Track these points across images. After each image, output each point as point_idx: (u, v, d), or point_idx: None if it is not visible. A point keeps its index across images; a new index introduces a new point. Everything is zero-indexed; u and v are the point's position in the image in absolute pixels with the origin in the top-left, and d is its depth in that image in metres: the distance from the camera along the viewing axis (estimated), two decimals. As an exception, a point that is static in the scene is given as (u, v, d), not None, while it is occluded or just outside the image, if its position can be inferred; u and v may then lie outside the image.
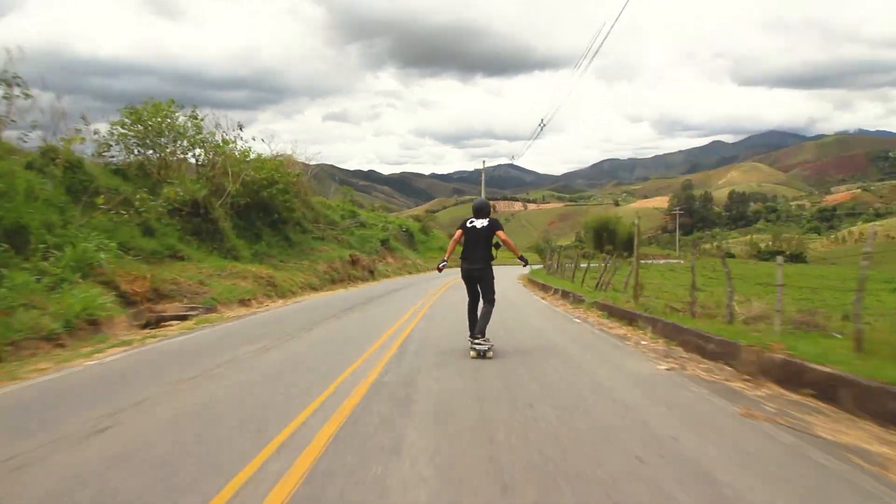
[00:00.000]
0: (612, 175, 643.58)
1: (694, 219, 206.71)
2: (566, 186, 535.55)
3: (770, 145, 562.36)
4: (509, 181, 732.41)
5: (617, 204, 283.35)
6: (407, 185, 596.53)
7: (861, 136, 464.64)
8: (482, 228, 6.54)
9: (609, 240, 51.31)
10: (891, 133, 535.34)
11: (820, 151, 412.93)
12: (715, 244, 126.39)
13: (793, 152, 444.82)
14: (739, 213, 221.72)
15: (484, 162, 33.49)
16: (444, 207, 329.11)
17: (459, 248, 6.87)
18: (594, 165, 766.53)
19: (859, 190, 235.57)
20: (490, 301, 6.54)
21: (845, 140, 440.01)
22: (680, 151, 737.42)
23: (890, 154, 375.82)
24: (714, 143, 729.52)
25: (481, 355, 6.14)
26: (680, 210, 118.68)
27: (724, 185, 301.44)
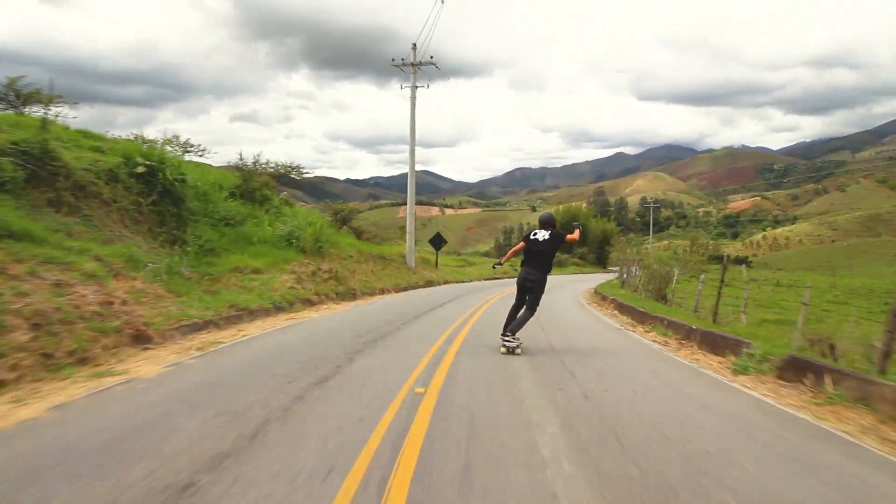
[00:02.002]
0: (525, 183, 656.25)
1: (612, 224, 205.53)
2: (481, 193, 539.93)
3: (668, 157, 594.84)
4: (425, 188, 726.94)
5: (534, 209, 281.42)
6: (320, 190, 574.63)
7: (745, 151, 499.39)
8: (544, 241, 7.01)
9: (579, 239, 40.34)
10: (769, 149, 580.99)
11: (713, 163, 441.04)
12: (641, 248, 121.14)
13: (689, 164, 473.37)
14: (653, 220, 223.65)
15: (413, 167, 22.62)
16: (359, 212, 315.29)
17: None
18: (507, 174, 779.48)
19: (759, 198, 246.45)
20: (532, 310, 6.92)
21: (733, 153, 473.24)
22: (587, 161, 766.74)
23: (775, 166, 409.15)
24: (618, 154, 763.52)
25: (510, 351, 6.63)
26: (652, 204, 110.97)
27: (631, 192, 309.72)
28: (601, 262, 45.90)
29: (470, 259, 38.22)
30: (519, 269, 7.29)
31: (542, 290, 6.97)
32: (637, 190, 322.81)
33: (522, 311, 6.92)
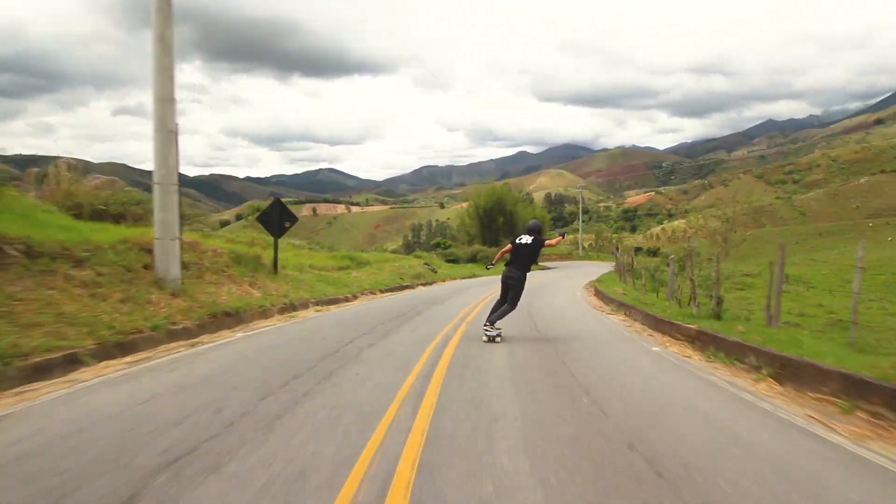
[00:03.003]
0: (432, 181, 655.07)
1: None
2: (389, 191, 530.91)
3: (567, 156, 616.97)
4: (331, 186, 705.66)
5: (442, 206, 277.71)
6: (217, 189, 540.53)
7: (636, 150, 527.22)
8: (526, 245, 8.04)
9: (507, 227, 33.77)
10: (656, 149, 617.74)
11: (609, 161, 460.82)
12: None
13: (587, 162, 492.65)
14: (557, 214, 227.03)
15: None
16: (258, 210, 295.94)
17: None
18: (415, 171, 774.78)
19: (653, 193, 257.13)
20: (512, 305, 7.98)
21: (626, 152, 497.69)
22: (491, 160, 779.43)
23: (664, 164, 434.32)
24: (520, 153, 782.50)
25: (491, 340, 7.50)
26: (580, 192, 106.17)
27: (535, 189, 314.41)
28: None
29: (363, 257, 24.55)
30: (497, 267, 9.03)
31: (521, 288, 8.03)
32: (541, 186, 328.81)
33: (504, 305, 7.93)
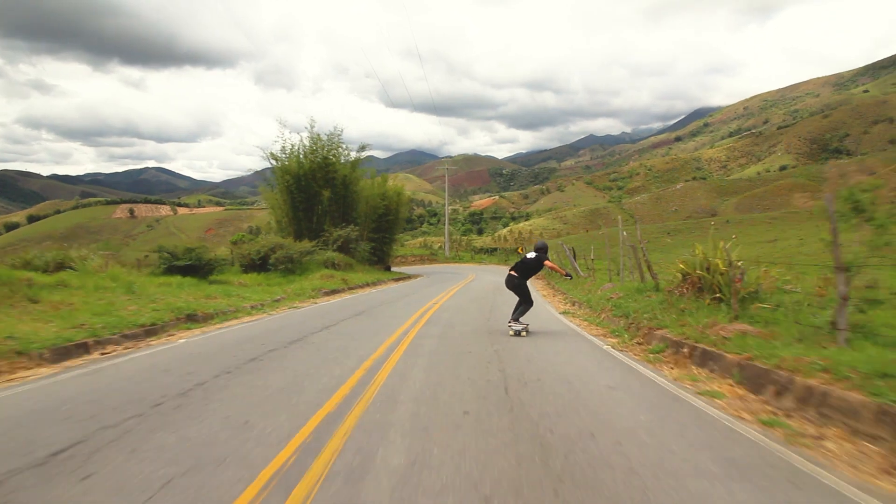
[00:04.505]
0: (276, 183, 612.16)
1: None
2: (227, 193, 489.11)
3: (414, 161, 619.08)
4: (159, 186, 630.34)
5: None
6: (11, 187, 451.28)
7: (478, 158, 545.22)
8: (530, 259, 8.70)
9: (339, 209, 21.24)
10: (496, 157, 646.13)
11: (454, 167, 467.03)
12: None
13: (433, 167, 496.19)
14: (407, 217, 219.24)
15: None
16: (59, 211, 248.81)
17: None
18: (258, 173, 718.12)
19: (497, 197, 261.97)
20: (527, 304, 8.47)
21: (469, 159, 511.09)
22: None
23: (503, 171, 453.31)
24: (369, 158, 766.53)
25: (517, 334, 7.98)
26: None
27: None
28: (380, 259, 27.21)
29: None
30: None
31: (525, 289, 8.55)
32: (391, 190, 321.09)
33: (522, 305, 8.46)
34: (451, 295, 14.96)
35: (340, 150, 23.47)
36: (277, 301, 11.53)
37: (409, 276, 24.58)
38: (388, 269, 27.13)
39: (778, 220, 76.38)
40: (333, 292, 14.50)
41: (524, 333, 7.88)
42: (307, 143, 22.70)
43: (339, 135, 24.93)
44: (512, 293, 8.60)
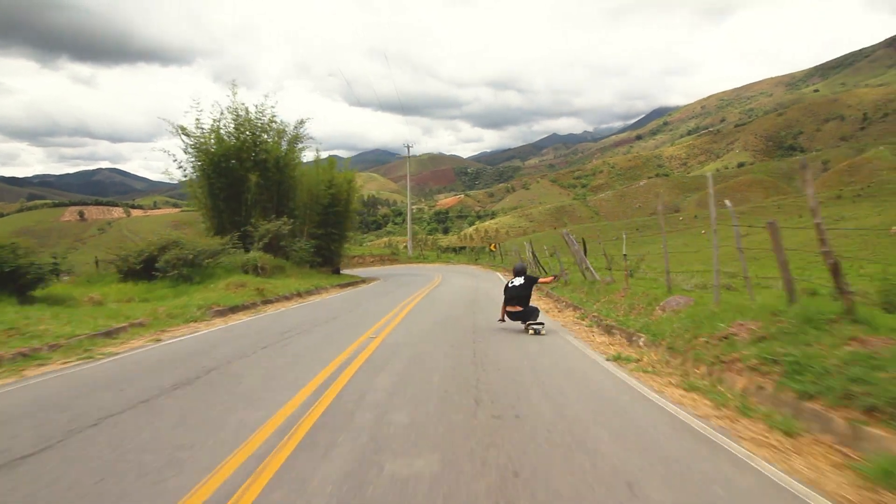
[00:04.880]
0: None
1: None
2: (187, 194, 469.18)
3: (378, 161, 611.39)
4: (112, 188, 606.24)
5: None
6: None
7: (443, 157, 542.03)
8: (520, 286, 8.65)
9: (278, 201, 16.59)
10: (460, 156, 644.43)
11: (419, 166, 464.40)
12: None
13: (398, 166, 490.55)
14: (371, 217, 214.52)
15: None
16: (2, 214, 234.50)
17: None
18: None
19: (462, 196, 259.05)
20: (535, 313, 8.56)
21: (434, 158, 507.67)
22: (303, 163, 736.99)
23: (468, 170, 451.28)
24: (331, 157, 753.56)
25: (537, 332, 8.23)
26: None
27: None
28: (327, 260, 22.49)
29: None
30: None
31: (534, 311, 8.57)
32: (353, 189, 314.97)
33: (533, 315, 8.50)
34: (407, 311, 11.02)
35: (274, 125, 19.10)
36: (117, 331, 7.22)
37: (360, 281, 20.42)
38: (336, 271, 22.84)
39: (746, 215, 75.30)
40: (237, 309, 10.29)
41: (543, 332, 8.25)
42: (230, 117, 18.26)
43: (273, 107, 20.28)
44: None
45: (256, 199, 18.32)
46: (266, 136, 18.73)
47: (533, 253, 21.42)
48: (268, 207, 18.58)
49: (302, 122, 19.87)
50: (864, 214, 61.90)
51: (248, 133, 18.31)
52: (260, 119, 18.64)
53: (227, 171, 17.85)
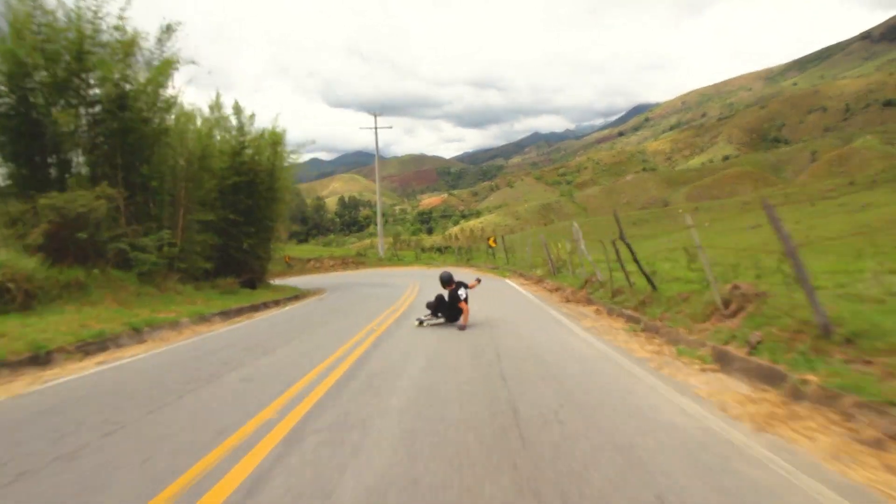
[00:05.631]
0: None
1: (308, 225, 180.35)
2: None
3: (360, 162, 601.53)
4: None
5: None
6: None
7: (425, 157, 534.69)
8: (448, 296, 8.34)
9: (127, 166, 9.41)
10: (443, 157, 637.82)
11: (401, 167, 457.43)
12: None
13: (381, 167, 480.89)
14: (352, 219, 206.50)
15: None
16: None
17: None
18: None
19: (446, 195, 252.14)
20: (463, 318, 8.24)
21: (417, 159, 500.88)
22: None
23: (451, 170, 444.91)
24: (313, 159, 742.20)
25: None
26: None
27: (328, 194, 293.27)
28: (243, 268, 14.76)
29: None
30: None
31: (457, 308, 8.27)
32: (334, 192, 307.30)
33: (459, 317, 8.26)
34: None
35: (116, 36, 11.32)
36: None
37: (275, 302, 12.57)
38: (248, 284, 14.93)
39: (751, 205, 68.87)
40: None
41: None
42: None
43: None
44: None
45: (92, 161, 10.41)
46: (101, 51, 10.72)
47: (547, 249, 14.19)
48: (110, 176, 10.67)
49: (169, 29, 11.61)
50: (886, 201, 56.12)
51: (63, 43, 10.28)
52: (91, 20, 10.58)
53: (24, 101, 9.82)
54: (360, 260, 36.73)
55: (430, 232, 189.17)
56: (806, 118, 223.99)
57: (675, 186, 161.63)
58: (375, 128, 38.73)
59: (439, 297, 8.29)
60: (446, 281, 8.36)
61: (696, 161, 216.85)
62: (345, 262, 35.54)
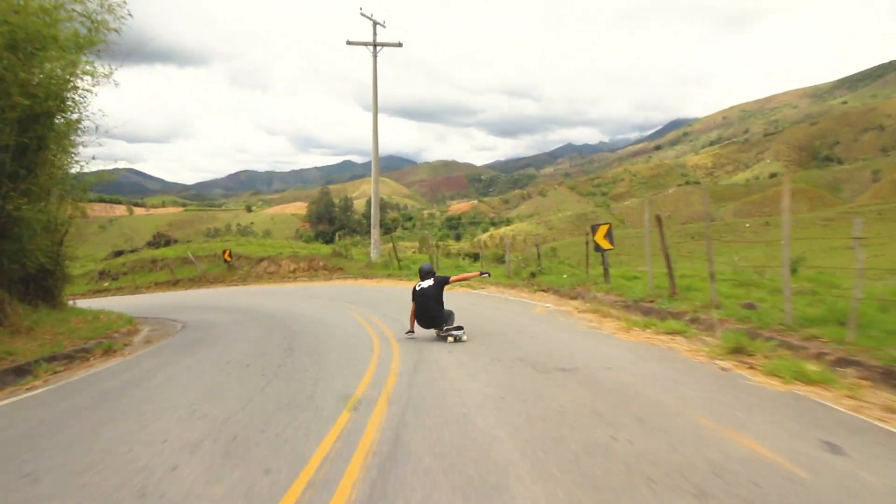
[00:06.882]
0: (251, 185, 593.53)
1: (335, 225, 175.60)
2: (199, 195, 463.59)
3: (391, 167, 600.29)
4: (127, 187, 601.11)
5: (249, 210, 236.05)
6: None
7: (457, 164, 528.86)
8: (430, 288, 7.45)
9: None
10: (474, 164, 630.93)
11: (432, 173, 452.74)
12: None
13: (411, 172, 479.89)
14: (381, 221, 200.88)
15: None
16: None
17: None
18: (231, 176, 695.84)
19: (476, 202, 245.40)
20: (451, 322, 7.43)
21: (447, 165, 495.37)
22: (316, 168, 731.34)
23: (482, 177, 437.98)
24: (345, 161, 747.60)
25: (458, 339, 7.12)
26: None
27: (359, 195, 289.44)
28: (41, 293, 8.93)
29: None
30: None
31: (449, 313, 7.49)
32: (364, 193, 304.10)
33: (450, 320, 7.51)
34: None
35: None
36: None
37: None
38: (52, 302, 7.21)
39: (834, 221, 59.61)
40: None
41: (464, 337, 7.14)
42: None
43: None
44: None
45: None
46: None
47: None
48: None
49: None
50: None
51: None
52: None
53: None
54: (336, 264, 25.49)
55: (458, 238, 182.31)
56: (861, 137, 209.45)
57: (720, 202, 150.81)
58: (374, 44, 25.21)
59: (417, 294, 7.58)
60: (427, 272, 7.82)
61: (740, 177, 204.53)
62: (312, 268, 25.31)
